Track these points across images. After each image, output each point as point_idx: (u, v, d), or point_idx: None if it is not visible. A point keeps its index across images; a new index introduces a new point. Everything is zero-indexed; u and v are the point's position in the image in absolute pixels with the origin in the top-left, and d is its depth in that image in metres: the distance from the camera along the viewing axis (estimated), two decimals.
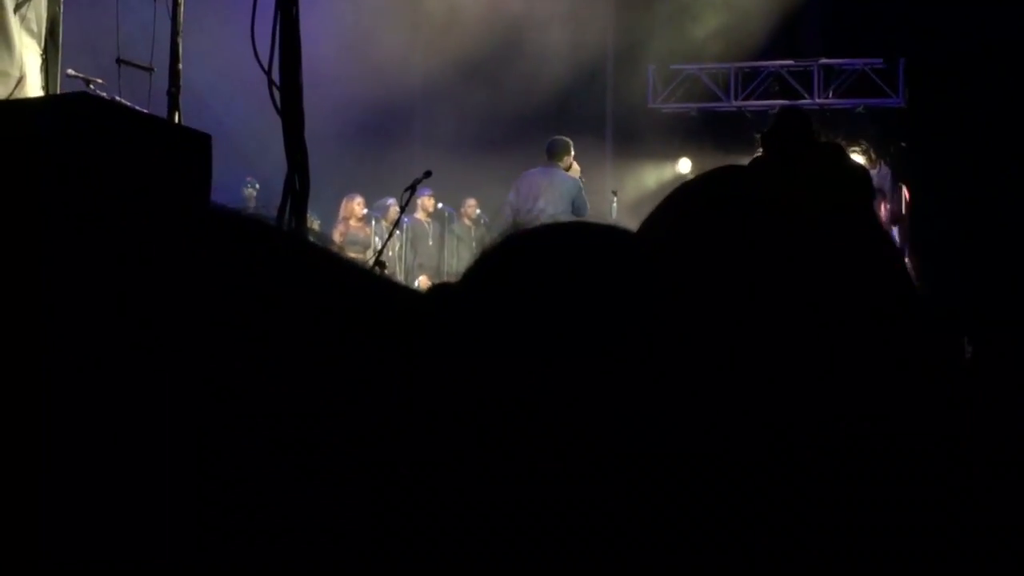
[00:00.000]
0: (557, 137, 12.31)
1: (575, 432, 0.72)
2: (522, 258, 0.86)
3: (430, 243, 15.04)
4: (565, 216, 11.50)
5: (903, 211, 14.45)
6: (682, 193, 1.09)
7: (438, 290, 0.91)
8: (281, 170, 3.62)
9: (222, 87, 12.81)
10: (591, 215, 11.50)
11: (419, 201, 14.56)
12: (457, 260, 15.05)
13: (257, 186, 14.48)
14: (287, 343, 0.74)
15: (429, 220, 15.12)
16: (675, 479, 0.73)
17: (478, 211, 15.66)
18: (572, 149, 11.96)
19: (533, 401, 0.72)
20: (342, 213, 14.37)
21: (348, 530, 0.67)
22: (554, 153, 11.97)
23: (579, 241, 0.88)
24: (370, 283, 0.90)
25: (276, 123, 3.69)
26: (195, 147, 2.97)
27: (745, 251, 0.95)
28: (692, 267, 0.96)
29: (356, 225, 14.46)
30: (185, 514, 0.71)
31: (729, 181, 1.09)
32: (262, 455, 0.68)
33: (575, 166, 11.97)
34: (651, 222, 1.08)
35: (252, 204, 14.48)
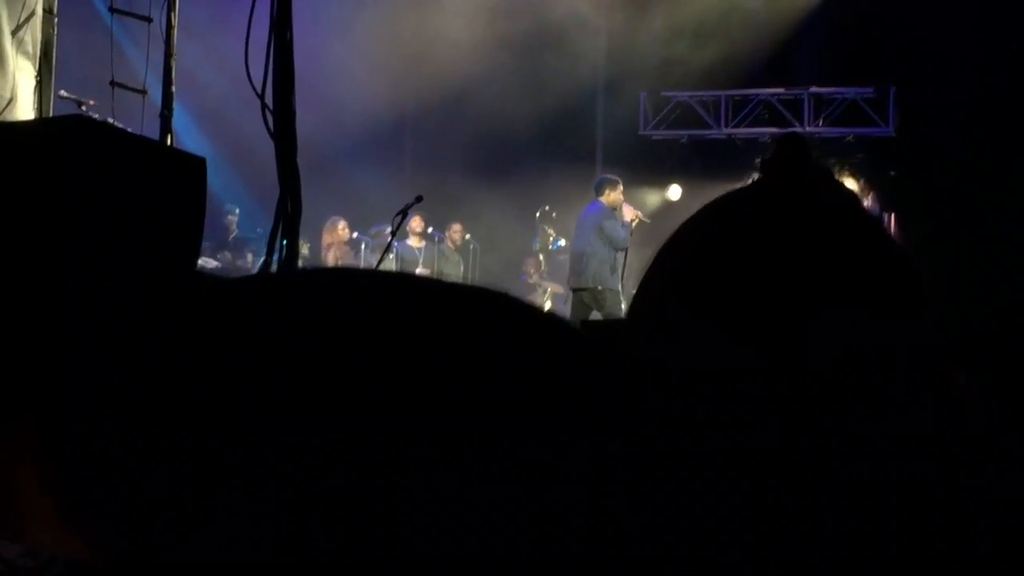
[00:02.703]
0: (604, 175, 12.78)
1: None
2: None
3: (418, 271, 14.77)
4: (591, 249, 11.74)
5: None
6: (685, 231, 1.08)
7: None
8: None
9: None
10: None
11: (407, 227, 14.40)
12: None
13: (238, 211, 14.41)
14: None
15: (420, 246, 14.90)
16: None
17: (467, 236, 15.60)
18: (616, 185, 12.23)
19: None
20: (328, 239, 14.18)
21: None
22: (595, 188, 12.40)
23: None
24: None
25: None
26: (191, 170, 2.97)
27: (753, 279, 0.94)
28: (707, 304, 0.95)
29: (345, 249, 14.34)
30: None
31: (728, 213, 1.08)
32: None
33: (625, 206, 12.13)
34: (656, 269, 1.06)
35: (233, 230, 14.45)
